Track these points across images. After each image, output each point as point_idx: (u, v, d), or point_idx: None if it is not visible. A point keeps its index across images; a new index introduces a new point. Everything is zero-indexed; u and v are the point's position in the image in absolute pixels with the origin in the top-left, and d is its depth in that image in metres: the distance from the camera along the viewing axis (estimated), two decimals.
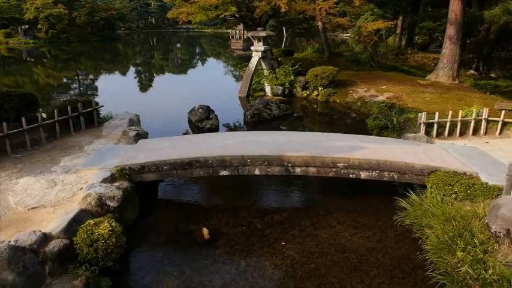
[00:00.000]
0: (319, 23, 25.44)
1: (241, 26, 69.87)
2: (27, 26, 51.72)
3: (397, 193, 8.32)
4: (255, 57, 19.17)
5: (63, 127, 10.94)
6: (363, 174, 7.88)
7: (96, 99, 17.27)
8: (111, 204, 6.69)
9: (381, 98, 16.36)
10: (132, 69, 33.37)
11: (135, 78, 28.69)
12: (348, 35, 62.49)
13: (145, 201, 8.07)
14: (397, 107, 13.84)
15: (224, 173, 8.06)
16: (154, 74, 30.88)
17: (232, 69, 35.74)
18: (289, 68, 18.80)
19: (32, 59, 42.48)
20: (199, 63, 41.59)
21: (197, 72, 33.20)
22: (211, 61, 43.21)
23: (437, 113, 11.12)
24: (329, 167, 7.86)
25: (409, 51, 29.42)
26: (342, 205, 8.02)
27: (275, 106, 15.57)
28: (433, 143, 10.33)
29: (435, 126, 10.98)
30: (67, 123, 10.97)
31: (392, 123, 11.76)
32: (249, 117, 14.70)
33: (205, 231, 6.95)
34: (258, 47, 19.07)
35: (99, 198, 6.60)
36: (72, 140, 10.55)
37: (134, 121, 11.44)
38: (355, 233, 7.10)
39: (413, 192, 7.54)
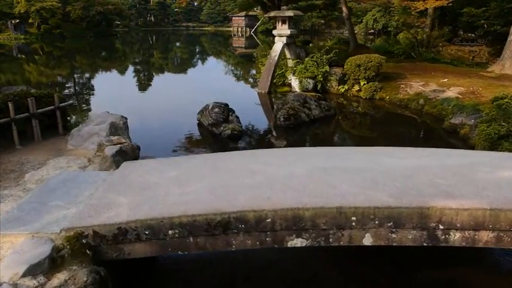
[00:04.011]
0: (344, 8, 21.06)
1: (243, 23, 65.41)
2: (17, 21, 46.81)
3: None
4: (279, 44, 14.72)
5: (3, 136, 6.53)
6: None
7: (93, 100, 12.94)
8: None
9: (450, 93, 11.99)
10: (130, 68, 28.38)
11: (133, 76, 23.96)
12: (354, 32, 58.38)
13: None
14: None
15: (297, 242, 3.64)
16: (154, 73, 26.01)
17: (240, 65, 31.36)
18: (324, 56, 14.35)
19: (23, 56, 37.84)
20: (204, 60, 36.83)
21: (203, 70, 28.39)
22: (215, 59, 38.50)
23: None
24: None
25: (441, 44, 25.00)
26: None
27: (315, 104, 11.14)
28: None
29: None
30: (9, 129, 6.54)
31: None
32: (282, 119, 10.28)
33: None
34: (282, 31, 14.61)
35: None
36: (13, 159, 6.09)
37: (118, 127, 6.95)
38: None
39: None
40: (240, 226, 3.55)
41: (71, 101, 7.67)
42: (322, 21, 60.78)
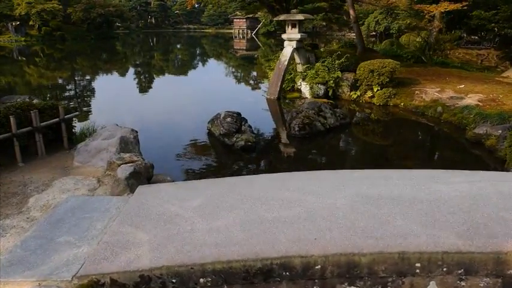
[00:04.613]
0: (351, 11, 20.52)
1: (245, 25, 64.85)
2: (18, 23, 46.21)
3: None
4: (288, 48, 14.18)
5: (4, 153, 5.98)
6: None
7: (96, 105, 12.52)
8: None
9: (469, 101, 11.45)
10: (132, 71, 27.59)
11: (136, 80, 23.35)
12: (355, 34, 57.98)
13: None
14: None
15: None
16: (156, 76, 25.39)
17: (244, 68, 30.82)
18: (336, 61, 13.81)
19: (24, 58, 37.23)
20: (207, 63, 36.14)
21: (206, 73, 27.72)
22: (218, 61, 37.84)
23: None
24: None
25: (448, 47, 24.50)
26: None
27: (330, 112, 10.59)
28: None
29: None
30: (10, 145, 5.98)
31: None
32: (296, 128, 9.72)
33: None
34: (292, 35, 14.07)
35: None
36: (15, 178, 5.54)
37: (128, 141, 6.38)
38: None
39: None
40: (283, 274, 3.00)
41: (77, 112, 7.07)
42: (324, 24, 60.32)
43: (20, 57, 38.09)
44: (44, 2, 45.44)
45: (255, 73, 26.18)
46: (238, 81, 23.56)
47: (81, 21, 50.89)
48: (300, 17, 13.77)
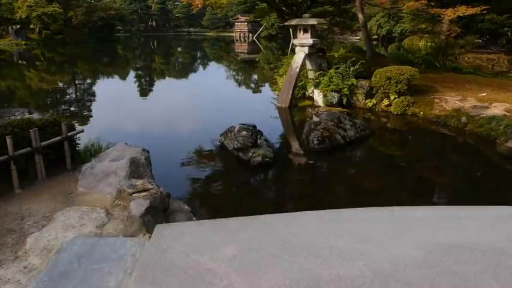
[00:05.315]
0: (360, 15, 19.86)
1: (246, 28, 64.24)
2: (18, 26, 45.48)
3: None
4: (300, 54, 13.47)
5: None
6: None
7: (98, 113, 11.86)
8: None
9: (495, 110, 10.78)
10: (134, 76, 26.46)
11: (138, 86, 22.55)
12: (357, 37, 57.34)
13: None
14: None
15: None
16: (160, 82, 24.39)
17: (248, 73, 30.14)
18: (350, 68, 13.10)
19: (24, 62, 36.52)
20: (210, 67, 35.26)
21: (209, 79, 26.59)
22: (222, 66, 37.01)
23: None
24: None
25: (457, 51, 23.84)
26: None
27: (349, 124, 9.87)
28: None
29: None
30: (7, 169, 5.25)
31: None
32: (315, 141, 8.99)
33: None
34: (304, 40, 13.36)
35: None
36: (11, 209, 4.80)
37: (139, 163, 5.63)
38: None
39: None
40: None
41: (81, 130, 6.32)
42: (325, 27, 59.76)
43: (20, 61, 37.38)
44: (45, 5, 44.78)
45: (260, 78, 25.47)
46: (244, 86, 22.86)
47: (82, 24, 50.20)
48: (313, 21, 13.07)
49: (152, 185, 4.82)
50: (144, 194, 4.54)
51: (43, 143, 5.63)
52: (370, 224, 3.56)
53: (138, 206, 4.03)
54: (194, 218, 4.90)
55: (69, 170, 6.07)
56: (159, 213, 4.32)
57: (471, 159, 9.09)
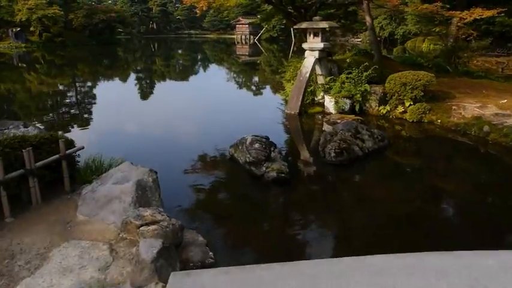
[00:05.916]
0: (368, 18, 19.24)
1: (247, 30, 63.56)
2: (18, 29, 44.84)
3: None
4: (310, 59, 12.82)
5: None
6: None
7: (99, 121, 11.27)
8: None
9: None
10: (135, 81, 25.49)
11: (140, 90, 21.82)
12: (359, 39, 56.76)
13: None
14: None
15: None
16: (162, 86, 23.54)
17: (251, 76, 29.49)
18: (363, 73, 12.46)
19: (24, 65, 35.86)
20: (212, 70, 34.48)
21: (212, 83, 25.64)
22: (224, 68, 36.29)
23: None
24: None
25: (466, 54, 23.21)
26: None
27: (367, 134, 9.22)
28: None
29: None
30: None
31: None
32: (332, 154, 8.33)
33: None
34: (314, 44, 12.72)
35: None
36: (0, 243, 4.14)
37: (146, 186, 4.96)
38: None
39: None
40: None
41: (81, 146, 5.66)
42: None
43: (20, 64, 36.70)
44: (45, 7, 44.11)
45: (262, 81, 24.82)
46: (247, 90, 22.20)
47: (83, 27, 49.58)
48: (324, 24, 12.43)
49: (162, 215, 4.16)
50: (153, 227, 3.88)
51: (38, 164, 4.98)
52: (436, 274, 2.89)
53: (148, 248, 3.37)
54: (211, 254, 4.23)
55: (68, 193, 5.42)
56: (172, 253, 3.65)
57: (499, 172, 8.40)
